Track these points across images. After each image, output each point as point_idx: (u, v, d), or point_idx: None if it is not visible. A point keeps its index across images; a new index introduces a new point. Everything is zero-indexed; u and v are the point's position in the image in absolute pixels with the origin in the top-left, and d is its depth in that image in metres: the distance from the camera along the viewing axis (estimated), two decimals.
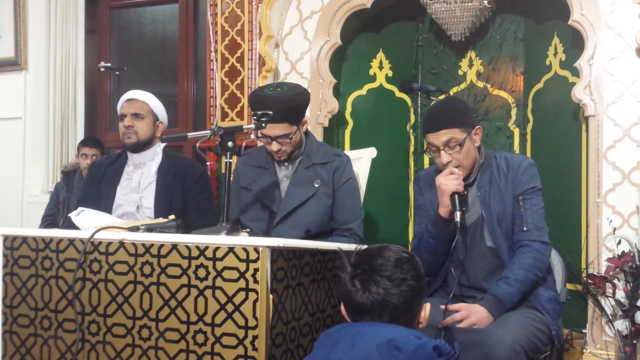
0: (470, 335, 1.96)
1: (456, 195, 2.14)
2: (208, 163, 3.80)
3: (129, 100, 2.79)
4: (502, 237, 2.19)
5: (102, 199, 2.69)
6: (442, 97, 3.46)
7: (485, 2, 3.34)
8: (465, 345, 1.91)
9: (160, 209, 2.64)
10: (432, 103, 3.33)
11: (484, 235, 2.22)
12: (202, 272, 1.74)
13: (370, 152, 2.78)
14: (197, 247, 1.75)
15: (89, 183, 2.83)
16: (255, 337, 1.68)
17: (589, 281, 2.87)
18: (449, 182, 2.15)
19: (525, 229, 2.17)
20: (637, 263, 2.76)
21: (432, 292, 2.30)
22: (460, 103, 2.32)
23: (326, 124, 3.50)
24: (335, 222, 2.48)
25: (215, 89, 3.76)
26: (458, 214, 2.13)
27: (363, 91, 3.76)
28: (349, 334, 1.45)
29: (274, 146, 2.41)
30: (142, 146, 2.75)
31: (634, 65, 2.92)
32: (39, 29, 4.44)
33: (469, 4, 3.34)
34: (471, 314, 2.02)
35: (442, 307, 2.03)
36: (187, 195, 2.73)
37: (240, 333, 1.69)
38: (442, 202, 2.17)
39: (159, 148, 2.80)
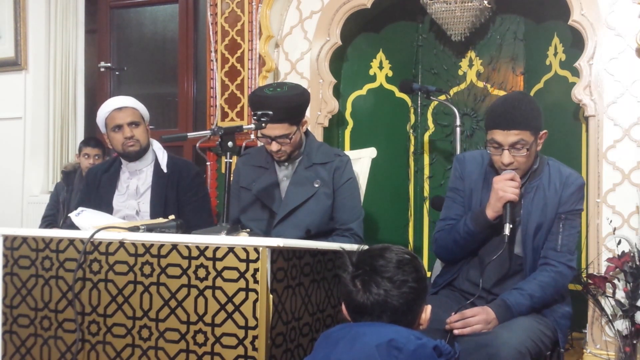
0: (475, 337, 1.95)
1: (509, 206, 2.05)
2: (208, 163, 3.80)
3: (119, 109, 2.70)
4: (532, 247, 2.13)
5: (101, 206, 2.68)
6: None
7: (485, 2, 3.34)
8: (470, 347, 1.91)
9: (156, 212, 2.63)
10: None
11: (515, 241, 2.14)
12: (202, 272, 1.74)
13: (370, 152, 2.78)
14: (197, 247, 1.75)
15: (87, 189, 2.81)
16: (255, 337, 1.68)
17: (589, 281, 2.87)
18: (507, 188, 2.04)
19: (558, 249, 2.10)
20: (637, 263, 2.76)
21: (439, 288, 2.28)
22: (534, 103, 2.15)
23: (326, 124, 3.50)
24: (335, 222, 2.48)
25: (215, 89, 3.76)
26: (508, 226, 2.03)
27: (363, 91, 3.76)
28: (349, 334, 1.45)
29: (274, 146, 2.41)
30: (143, 152, 2.73)
31: (634, 65, 2.92)
32: (39, 29, 4.45)
33: (469, 4, 3.34)
34: (481, 312, 2.00)
35: (448, 320, 2.02)
36: (183, 197, 2.72)
37: (240, 333, 1.69)
38: (494, 206, 2.07)
39: (152, 154, 2.78)
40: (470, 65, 3.72)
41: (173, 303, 1.77)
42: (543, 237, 2.12)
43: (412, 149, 3.82)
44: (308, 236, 2.41)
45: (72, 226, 2.22)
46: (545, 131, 2.12)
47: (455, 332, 1.98)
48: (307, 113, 2.81)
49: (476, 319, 1.99)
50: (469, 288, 2.18)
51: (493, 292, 2.15)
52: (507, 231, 2.03)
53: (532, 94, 3.52)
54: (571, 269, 2.12)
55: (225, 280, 1.71)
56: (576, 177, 2.17)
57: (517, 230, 2.14)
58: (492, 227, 2.11)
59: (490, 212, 2.08)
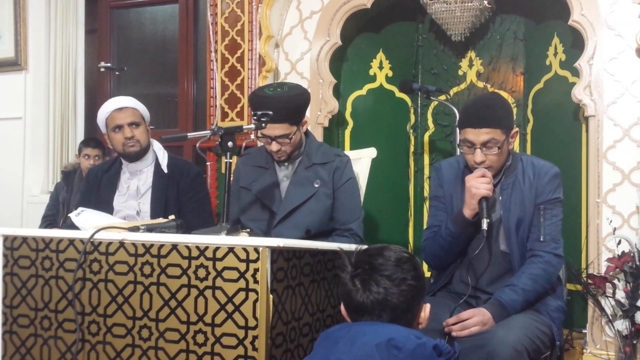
0: (472, 337, 1.96)
1: (484, 201, 2.07)
2: (208, 163, 3.79)
3: (120, 109, 2.70)
4: (517, 243, 2.15)
5: (102, 206, 2.67)
6: (438, 96, 3.47)
7: (485, 2, 3.34)
8: (467, 347, 1.92)
9: (156, 212, 2.63)
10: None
11: (499, 238, 2.17)
12: (202, 272, 1.74)
13: (370, 152, 2.78)
14: (197, 247, 1.75)
15: (87, 190, 2.81)
16: (255, 337, 1.68)
17: (589, 281, 2.87)
18: (479, 185, 2.08)
19: (542, 239, 2.13)
20: (637, 263, 2.76)
21: (435, 290, 2.29)
22: (505, 102, 2.21)
23: (326, 124, 3.49)
24: (335, 222, 2.48)
25: (215, 89, 3.76)
26: (486, 221, 2.05)
27: (363, 91, 3.76)
28: (348, 334, 1.45)
29: (274, 146, 2.41)
30: (143, 153, 2.73)
31: (634, 65, 2.92)
32: (39, 29, 4.45)
33: (469, 4, 3.34)
34: (477, 313, 2.02)
35: (445, 323, 2.03)
36: (183, 197, 2.72)
37: (240, 333, 1.69)
38: (470, 204, 2.10)
39: (152, 154, 2.77)
40: (470, 65, 3.72)
41: (173, 303, 1.77)
42: (526, 231, 2.15)
43: (412, 149, 3.82)
44: (308, 236, 2.41)
45: (72, 226, 2.22)
46: (516, 130, 2.17)
47: (453, 334, 1.99)
48: (307, 113, 2.81)
49: (473, 320, 2.00)
50: (464, 290, 2.20)
51: (488, 292, 2.16)
52: (484, 226, 2.06)
53: (532, 94, 3.52)
54: (558, 257, 2.15)
55: (225, 280, 1.72)
56: (549, 167, 2.20)
57: (499, 227, 2.17)
58: (473, 225, 2.14)
59: (467, 211, 2.12)
